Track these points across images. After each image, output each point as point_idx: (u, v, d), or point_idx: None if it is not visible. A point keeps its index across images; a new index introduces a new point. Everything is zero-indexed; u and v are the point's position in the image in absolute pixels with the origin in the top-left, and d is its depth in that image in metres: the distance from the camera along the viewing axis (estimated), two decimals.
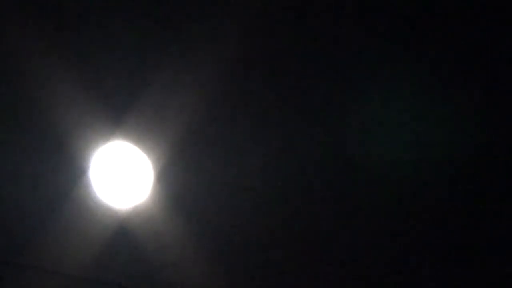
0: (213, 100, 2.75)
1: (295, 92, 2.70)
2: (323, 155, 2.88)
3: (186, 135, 2.86)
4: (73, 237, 3.24)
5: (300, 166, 2.94)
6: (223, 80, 2.69)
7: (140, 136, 2.87)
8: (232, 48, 2.59)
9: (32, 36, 2.61)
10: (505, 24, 2.44)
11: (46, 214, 3.17)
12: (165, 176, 2.99)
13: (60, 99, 2.79)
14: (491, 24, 2.44)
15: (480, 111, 2.68)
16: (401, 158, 2.85)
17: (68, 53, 2.65)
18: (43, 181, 3.05)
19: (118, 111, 2.80)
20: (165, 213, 3.12)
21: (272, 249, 3.28)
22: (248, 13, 2.49)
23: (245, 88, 2.71)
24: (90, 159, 2.95)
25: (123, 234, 3.20)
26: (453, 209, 3.01)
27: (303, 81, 2.66)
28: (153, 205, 3.09)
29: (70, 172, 3.00)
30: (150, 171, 2.96)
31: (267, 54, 2.60)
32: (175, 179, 3.00)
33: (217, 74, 2.67)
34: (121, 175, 2.98)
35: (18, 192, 3.11)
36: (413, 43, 2.51)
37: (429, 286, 3.39)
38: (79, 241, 3.25)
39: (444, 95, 2.65)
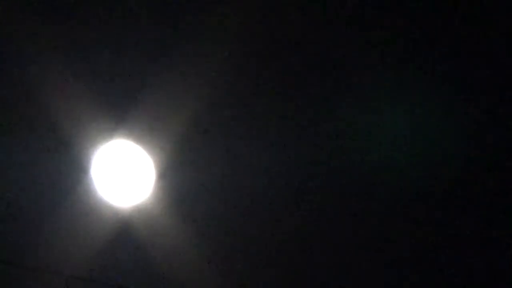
0: (215, 100, 2.76)
1: (297, 94, 2.71)
2: (325, 156, 2.89)
3: (188, 134, 2.86)
4: (74, 236, 3.23)
5: (302, 167, 2.94)
6: (225, 80, 2.69)
7: (142, 134, 2.88)
8: (234, 48, 2.60)
9: (33, 36, 2.62)
10: (505, 29, 2.46)
11: (48, 213, 3.17)
12: (167, 175, 2.99)
13: (61, 98, 2.79)
14: (491, 28, 2.46)
15: (479, 114, 2.69)
16: (401, 160, 2.86)
17: (70, 53, 2.65)
18: (45, 180, 3.04)
19: (120, 110, 2.80)
20: (167, 211, 3.11)
21: (273, 249, 3.28)
22: (251, 12, 2.50)
23: (248, 88, 2.72)
24: (92, 157, 2.94)
25: (125, 233, 3.19)
26: (452, 211, 3.02)
27: (305, 82, 2.67)
28: (155, 203, 3.08)
29: (72, 170, 3.00)
30: (152, 169, 2.96)
31: (269, 55, 2.61)
32: (177, 177, 3.00)
33: (219, 74, 2.68)
34: (123, 173, 2.98)
35: (19, 191, 3.11)
36: (414, 47, 2.53)
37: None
38: (81, 239, 3.24)
39: (444, 99, 2.66)
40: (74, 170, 3.00)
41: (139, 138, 2.89)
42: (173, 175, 2.99)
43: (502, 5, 2.43)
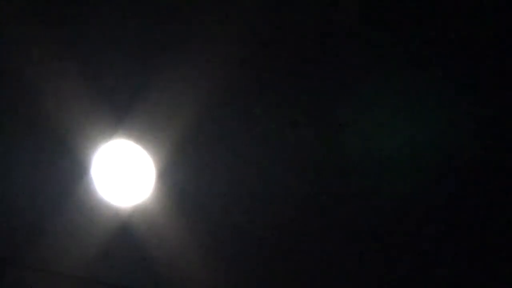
0: (215, 99, 2.76)
1: (297, 93, 2.71)
2: (325, 156, 2.89)
3: (188, 133, 2.86)
4: (74, 236, 3.24)
5: (301, 166, 2.94)
6: (225, 79, 2.69)
7: (142, 134, 2.88)
8: (235, 47, 2.60)
9: (32, 36, 2.62)
10: (504, 27, 2.46)
11: (48, 213, 3.17)
12: (167, 175, 2.99)
13: (61, 98, 2.79)
14: (490, 26, 2.46)
15: (478, 112, 2.69)
16: (400, 159, 2.86)
17: (69, 53, 2.66)
18: (45, 179, 3.05)
19: (120, 109, 2.80)
20: (167, 211, 3.11)
21: (274, 249, 3.28)
22: (251, 13, 2.50)
23: (247, 87, 2.72)
24: (92, 157, 2.95)
25: (125, 233, 3.20)
26: (451, 209, 3.02)
27: (305, 81, 2.67)
28: (155, 203, 3.09)
29: (72, 170, 3.00)
30: (152, 169, 2.96)
31: (269, 55, 2.61)
32: (177, 177, 3.00)
33: (219, 73, 2.68)
34: (123, 173, 2.98)
35: (19, 191, 3.11)
36: (413, 45, 2.53)
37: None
38: (81, 239, 3.25)
39: (443, 97, 2.66)
40: (74, 170, 3.00)
41: (139, 138, 2.89)
42: (173, 175, 2.99)
43: (502, 5, 2.43)
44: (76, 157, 2.95)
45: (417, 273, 3.31)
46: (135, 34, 2.59)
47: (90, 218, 3.15)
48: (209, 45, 2.59)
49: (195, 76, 2.69)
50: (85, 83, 2.74)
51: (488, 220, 3.04)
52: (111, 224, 3.17)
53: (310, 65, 2.63)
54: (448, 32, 2.48)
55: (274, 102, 2.75)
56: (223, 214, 3.13)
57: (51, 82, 2.74)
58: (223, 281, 3.44)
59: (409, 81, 2.64)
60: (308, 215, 3.11)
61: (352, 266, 3.31)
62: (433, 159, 2.84)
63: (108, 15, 2.54)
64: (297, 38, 2.56)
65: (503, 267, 3.24)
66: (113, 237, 3.23)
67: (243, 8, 2.49)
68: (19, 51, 2.66)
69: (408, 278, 3.34)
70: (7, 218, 3.23)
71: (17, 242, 3.32)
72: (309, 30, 2.53)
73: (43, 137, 2.91)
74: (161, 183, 3.01)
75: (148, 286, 3.45)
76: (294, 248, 3.27)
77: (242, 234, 3.21)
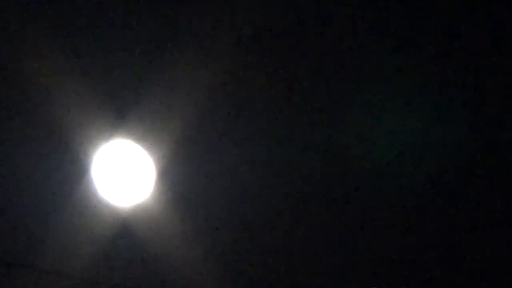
0: (216, 99, 2.76)
1: (297, 93, 2.71)
2: (324, 156, 2.89)
3: (188, 133, 2.86)
4: (75, 236, 3.23)
5: (301, 166, 2.94)
6: (226, 79, 2.69)
7: (142, 134, 2.88)
8: (235, 48, 2.60)
9: (33, 36, 2.62)
10: (503, 26, 2.46)
11: (48, 213, 3.17)
12: (167, 175, 2.99)
13: (61, 97, 2.79)
14: (489, 25, 2.46)
15: (478, 112, 2.69)
16: (400, 159, 2.86)
17: (70, 52, 2.65)
18: (45, 179, 3.04)
19: (120, 109, 2.80)
20: (168, 211, 3.11)
21: (274, 249, 3.28)
22: (252, 12, 2.51)
23: (248, 87, 2.72)
24: (92, 157, 2.94)
25: (125, 233, 3.19)
26: (451, 208, 3.02)
27: (304, 81, 2.67)
28: (156, 203, 3.08)
29: (72, 170, 3.00)
30: (152, 169, 2.96)
31: (269, 55, 2.61)
32: (178, 177, 3.00)
33: (220, 73, 2.68)
34: (123, 173, 2.98)
35: (19, 191, 3.11)
36: (413, 45, 2.53)
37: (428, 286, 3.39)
38: (81, 240, 3.24)
39: (443, 96, 2.66)
40: (74, 170, 3.00)
41: (139, 138, 2.89)
42: (174, 175, 2.99)
43: (502, 4, 2.43)
44: (76, 157, 2.95)
45: (417, 273, 3.31)
46: (135, 34, 2.59)
47: (90, 218, 3.15)
48: (209, 45, 2.59)
49: (195, 76, 2.69)
50: (85, 83, 2.74)
51: (488, 220, 3.04)
52: (111, 224, 3.17)
53: (309, 65, 2.63)
54: (448, 32, 2.49)
55: (274, 102, 2.75)
56: (223, 214, 3.13)
57: (52, 82, 2.74)
58: (223, 281, 3.44)
59: (409, 82, 2.64)
60: (308, 215, 3.12)
61: (352, 265, 3.31)
62: (433, 160, 2.84)
63: (108, 15, 2.54)
64: (297, 38, 2.56)
65: (503, 267, 3.24)
66: (113, 237, 3.22)
67: (243, 8, 2.49)
68: (19, 51, 2.66)
69: (408, 277, 3.34)
70: (7, 218, 3.23)
71: (18, 243, 3.31)
72: (309, 30, 2.53)
73: (43, 137, 2.91)
74: (161, 183, 3.01)
75: (148, 286, 3.44)
76: (294, 248, 3.27)
77: (242, 234, 3.21)
